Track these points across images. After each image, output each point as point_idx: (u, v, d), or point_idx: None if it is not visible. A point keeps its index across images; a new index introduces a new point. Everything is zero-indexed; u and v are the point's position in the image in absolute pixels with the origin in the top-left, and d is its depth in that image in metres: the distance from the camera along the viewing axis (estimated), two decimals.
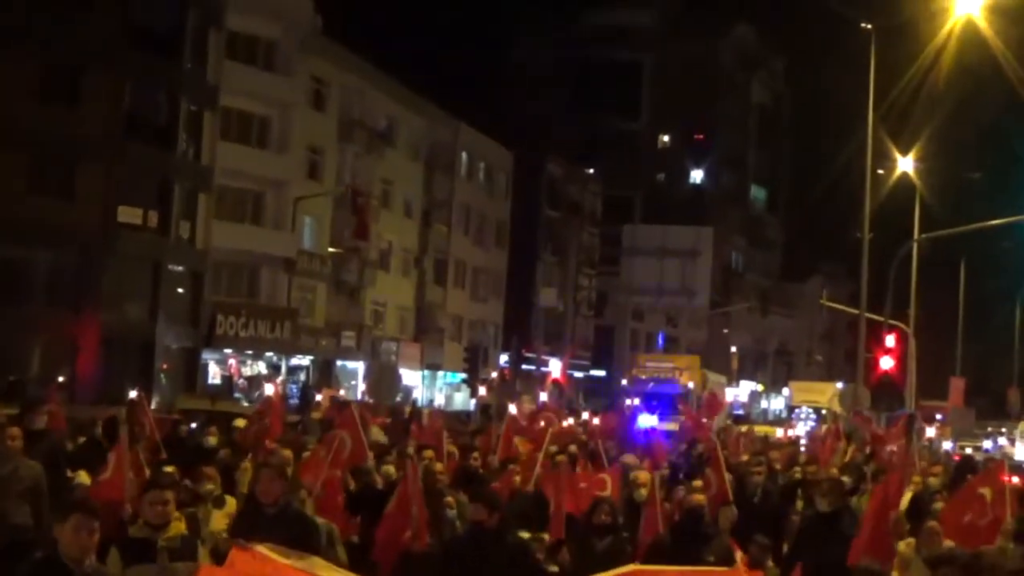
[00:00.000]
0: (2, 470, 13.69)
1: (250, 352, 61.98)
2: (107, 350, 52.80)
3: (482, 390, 69.27)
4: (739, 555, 13.69)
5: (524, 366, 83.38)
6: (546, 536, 15.20)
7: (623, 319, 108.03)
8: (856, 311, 52.52)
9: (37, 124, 50.02)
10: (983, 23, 42.80)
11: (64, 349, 52.00)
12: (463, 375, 73.05)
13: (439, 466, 16.49)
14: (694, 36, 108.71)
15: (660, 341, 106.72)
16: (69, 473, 16.00)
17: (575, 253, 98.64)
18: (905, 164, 60.47)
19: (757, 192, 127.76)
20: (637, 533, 14.40)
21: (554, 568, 13.87)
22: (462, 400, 77.23)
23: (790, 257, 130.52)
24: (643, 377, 63.48)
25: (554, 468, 17.58)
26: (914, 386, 61.82)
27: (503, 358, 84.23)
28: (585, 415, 33.79)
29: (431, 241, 78.69)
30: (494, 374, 74.72)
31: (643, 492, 15.53)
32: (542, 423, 27.18)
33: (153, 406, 34.44)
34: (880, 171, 57.54)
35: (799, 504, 18.39)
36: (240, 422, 22.61)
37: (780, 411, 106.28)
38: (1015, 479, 18.00)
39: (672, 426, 32.40)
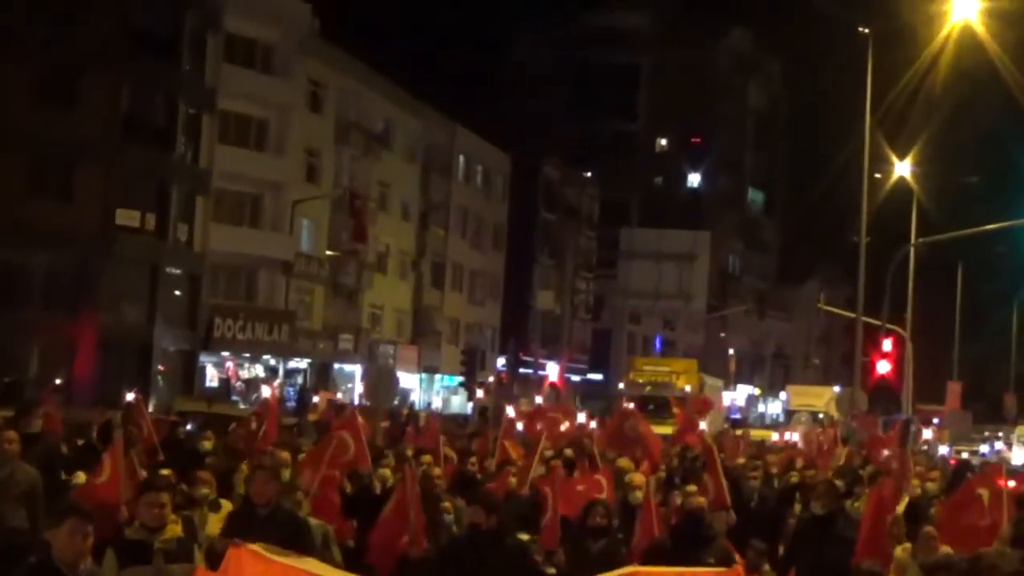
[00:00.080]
0: None
1: (247, 355, 61.99)
2: (104, 352, 52.82)
3: (479, 392, 69.32)
4: (737, 558, 13.73)
5: (521, 369, 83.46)
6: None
7: (620, 322, 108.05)
8: (853, 315, 52.56)
9: (35, 126, 50.06)
10: (980, 27, 42.88)
11: (62, 351, 52.00)
12: (460, 378, 73.09)
13: (437, 471, 16.48)
14: (691, 39, 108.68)
15: (657, 344, 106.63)
16: (66, 476, 16.00)
17: (572, 256, 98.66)
18: (902, 168, 60.54)
19: (754, 195, 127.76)
20: (631, 535, 14.41)
21: (551, 570, 13.88)
22: (459, 403, 77.21)
23: (787, 260, 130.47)
24: (640, 381, 63.33)
25: (547, 472, 17.52)
26: (911, 390, 61.86)
27: (500, 361, 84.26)
28: (582, 418, 33.80)
29: (428, 244, 78.71)
30: (491, 378, 74.76)
31: (639, 495, 15.52)
32: (538, 426, 27.11)
33: (150, 409, 34.41)
34: (877, 175, 57.64)
35: (797, 508, 18.39)
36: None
37: (777, 415, 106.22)
38: (1011, 483, 17.99)
39: (666, 429, 32.34)
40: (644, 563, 12.15)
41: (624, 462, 18.92)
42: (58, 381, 48.63)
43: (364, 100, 69.26)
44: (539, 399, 52.08)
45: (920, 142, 62.54)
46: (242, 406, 44.54)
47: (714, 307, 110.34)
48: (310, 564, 7.92)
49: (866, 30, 46.01)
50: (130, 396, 25.78)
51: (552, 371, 79.93)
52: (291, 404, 57.22)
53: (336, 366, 69.74)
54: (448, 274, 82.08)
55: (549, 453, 20.19)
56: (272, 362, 63.70)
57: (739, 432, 43.52)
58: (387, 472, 16.86)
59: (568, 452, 21.60)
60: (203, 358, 59.90)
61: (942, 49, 44.82)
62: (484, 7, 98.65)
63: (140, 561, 9.95)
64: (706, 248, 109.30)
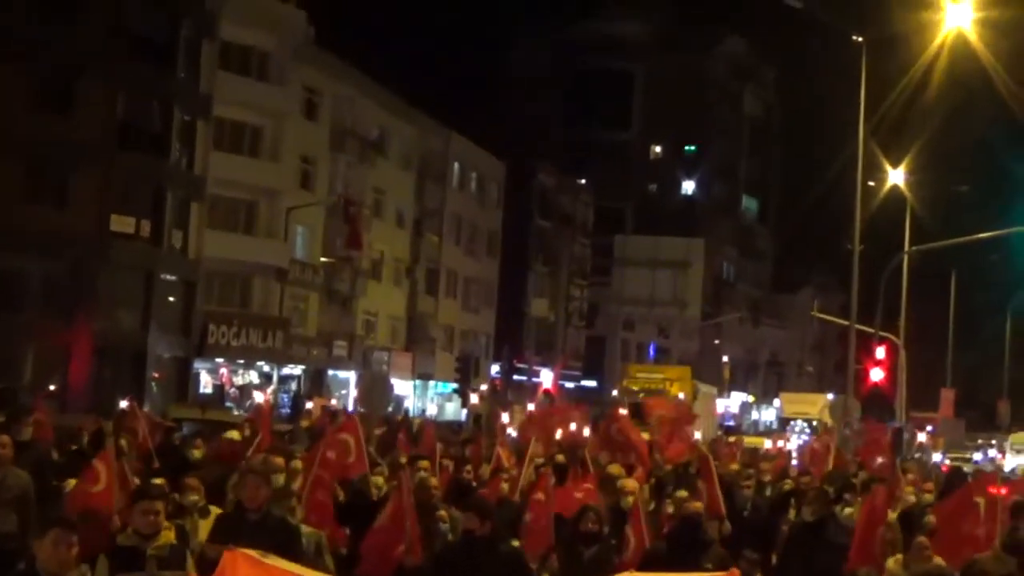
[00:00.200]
0: None
1: (242, 361, 62.00)
2: (99, 359, 52.82)
3: (474, 398, 69.34)
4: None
5: (515, 376, 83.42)
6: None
7: (614, 329, 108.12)
8: (847, 322, 52.60)
9: (31, 132, 50.06)
10: (973, 36, 42.95)
11: (56, 357, 51.95)
12: (454, 385, 73.11)
13: (434, 481, 16.48)
14: (686, 47, 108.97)
15: (651, 352, 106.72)
16: (56, 483, 15.99)
17: (567, 263, 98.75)
18: (896, 176, 60.57)
19: (748, 203, 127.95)
20: (623, 541, 14.42)
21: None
22: (453, 410, 77.21)
23: (781, 268, 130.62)
24: (634, 388, 63.39)
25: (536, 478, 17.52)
26: (904, 397, 61.94)
27: (494, 368, 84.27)
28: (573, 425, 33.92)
29: (423, 251, 78.76)
30: (484, 385, 74.76)
31: (630, 500, 15.56)
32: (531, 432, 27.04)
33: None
34: (871, 183, 57.64)
35: (792, 514, 18.39)
36: (233, 434, 22.60)
37: (771, 422, 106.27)
38: (1003, 491, 18.03)
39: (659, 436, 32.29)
40: (640, 569, 12.20)
41: (615, 468, 18.91)
42: (52, 387, 48.68)
43: (359, 107, 69.33)
44: (531, 406, 52.10)
45: (914, 150, 62.57)
46: (236, 412, 44.56)
47: (708, 314, 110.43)
48: (304, 571, 7.95)
49: (860, 38, 46.04)
50: (124, 404, 25.77)
51: (546, 378, 79.84)
52: (285, 411, 57.30)
53: (330, 373, 69.76)
54: (442, 281, 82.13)
55: (540, 460, 20.19)
56: (266, 369, 63.70)
57: (732, 439, 43.58)
58: (380, 480, 16.86)
59: (560, 458, 21.60)
60: (197, 364, 59.91)
61: (936, 57, 44.86)
62: (479, 14, 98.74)
63: (133, 568, 9.94)
64: (700, 255, 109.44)
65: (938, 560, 13.78)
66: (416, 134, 77.01)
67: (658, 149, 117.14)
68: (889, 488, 18.27)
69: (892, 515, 16.39)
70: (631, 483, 16.94)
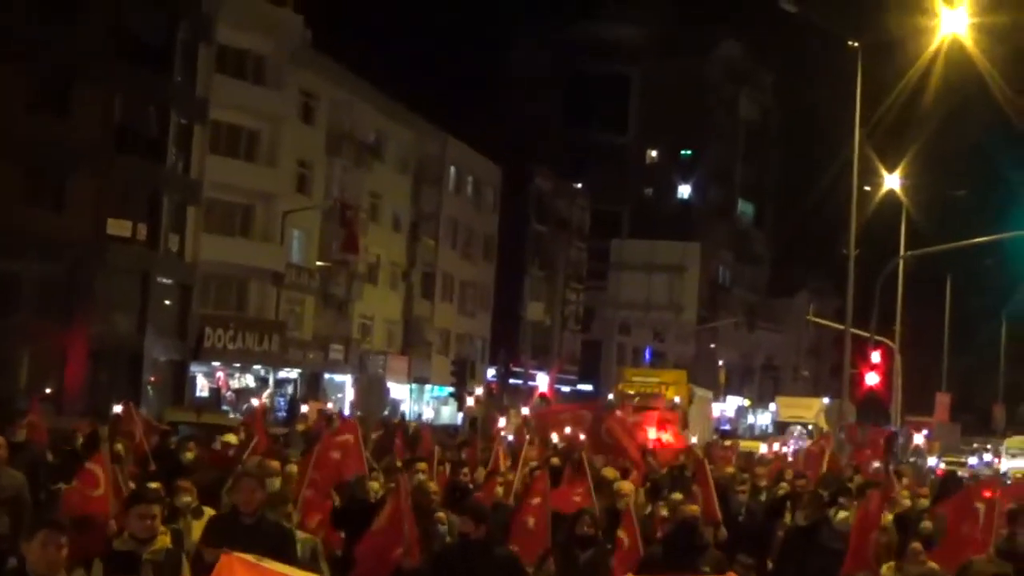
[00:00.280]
0: None
1: (238, 365, 61.98)
2: (95, 362, 52.82)
3: (470, 401, 69.41)
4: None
5: (511, 380, 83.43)
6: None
7: (610, 334, 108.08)
8: (842, 327, 52.69)
9: (28, 136, 50.03)
10: (969, 42, 43.03)
11: (52, 360, 51.95)
12: (451, 389, 73.14)
13: (433, 485, 16.51)
14: (682, 50, 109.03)
15: (647, 356, 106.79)
16: (51, 485, 16.03)
17: (563, 267, 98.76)
18: (892, 181, 60.71)
19: (744, 207, 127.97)
20: (615, 543, 14.45)
21: None
22: (449, 414, 77.24)
23: (777, 272, 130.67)
24: (630, 391, 63.38)
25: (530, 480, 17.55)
26: (900, 402, 62.05)
27: (490, 372, 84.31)
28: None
29: (419, 255, 78.77)
30: (479, 389, 74.78)
31: (626, 502, 15.61)
32: (527, 436, 27.14)
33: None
34: (867, 188, 57.79)
35: (788, 518, 18.40)
36: (229, 437, 22.64)
37: (766, 426, 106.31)
38: (997, 494, 18.12)
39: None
40: (638, 573, 12.24)
41: (610, 471, 18.97)
42: (48, 390, 48.66)
43: (356, 111, 69.34)
44: (525, 410, 52.17)
45: (909, 155, 62.71)
46: (233, 416, 44.61)
47: (704, 319, 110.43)
48: (300, 575, 7.96)
49: (856, 43, 46.15)
50: (118, 408, 25.69)
51: (542, 382, 79.95)
52: (281, 414, 57.36)
53: (326, 376, 69.78)
54: (438, 285, 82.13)
55: (534, 463, 20.25)
56: (262, 372, 63.72)
57: (728, 443, 43.67)
58: (376, 485, 16.90)
59: (555, 460, 21.66)
60: (193, 368, 59.91)
61: (931, 63, 44.94)
62: (476, 17, 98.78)
63: (128, 572, 9.92)
64: (696, 260, 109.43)
65: (932, 565, 13.83)
66: (413, 138, 77.06)
67: (654, 153, 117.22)
68: (883, 492, 18.35)
69: (887, 518, 16.45)
70: (627, 485, 16.98)
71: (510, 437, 34.06)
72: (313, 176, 66.32)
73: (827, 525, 14.88)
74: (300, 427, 34.57)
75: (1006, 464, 66.07)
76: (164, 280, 56.75)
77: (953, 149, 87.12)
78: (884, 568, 13.97)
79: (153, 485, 13.58)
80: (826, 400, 78.12)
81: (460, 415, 69.75)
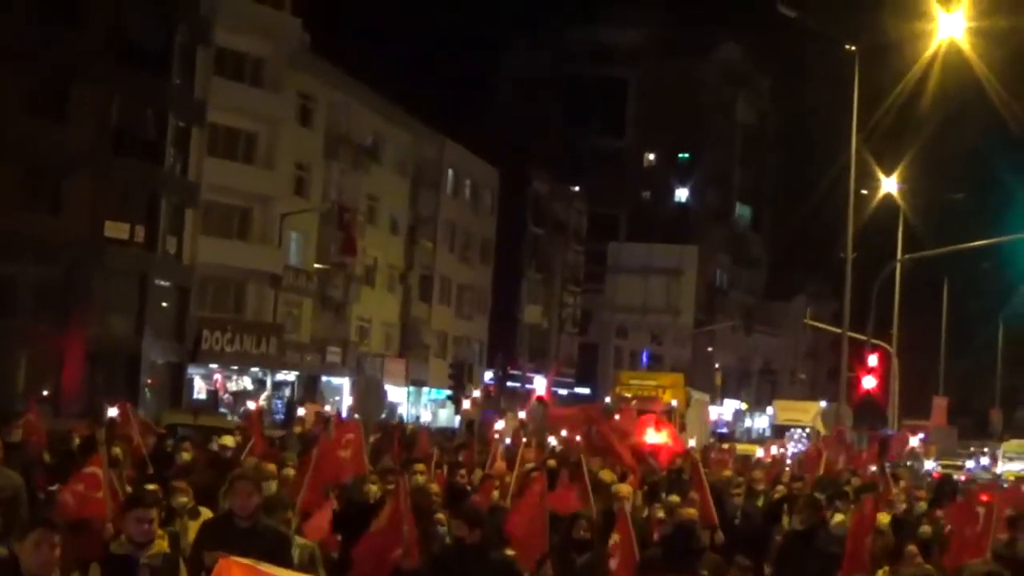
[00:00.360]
0: None
1: (236, 367, 62.00)
2: (93, 364, 52.82)
3: (466, 403, 69.39)
4: None
5: (509, 383, 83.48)
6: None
7: (607, 337, 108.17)
8: (840, 330, 52.73)
9: (25, 138, 50.04)
10: (966, 46, 43.09)
11: (50, 362, 51.96)
12: (448, 391, 73.13)
13: (434, 486, 16.51)
14: (680, 54, 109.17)
15: (644, 359, 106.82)
16: (47, 486, 16.02)
17: (560, 270, 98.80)
18: (889, 184, 60.75)
19: (742, 210, 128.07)
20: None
21: None
22: (447, 417, 77.24)
23: (774, 276, 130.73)
24: (627, 394, 63.39)
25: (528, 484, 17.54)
26: (897, 405, 62.08)
27: (488, 375, 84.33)
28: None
29: (416, 257, 78.79)
30: (476, 392, 74.77)
31: (622, 505, 15.60)
32: (523, 438, 27.10)
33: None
34: (864, 191, 57.82)
35: (785, 521, 18.39)
36: (227, 439, 22.65)
37: (764, 430, 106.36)
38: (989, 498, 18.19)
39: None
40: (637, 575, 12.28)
41: (607, 474, 18.98)
42: (45, 392, 48.67)
43: (353, 114, 69.38)
44: (522, 414, 52.19)
45: (907, 159, 62.73)
46: (231, 418, 44.63)
47: (701, 322, 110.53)
48: None
49: (853, 47, 46.19)
50: (112, 411, 25.52)
51: (539, 385, 79.94)
52: (279, 416, 57.35)
53: (324, 379, 69.77)
54: (436, 288, 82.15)
55: (531, 465, 20.26)
56: (260, 374, 63.74)
57: (725, 446, 43.69)
58: (374, 488, 16.90)
59: (551, 462, 21.68)
60: (191, 370, 59.93)
61: (928, 67, 45.02)
62: (474, 21, 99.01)
63: None
64: (693, 263, 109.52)
65: (928, 567, 13.86)
66: (410, 141, 77.08)
67: (652, 156, 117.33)
68: (877, 495, 18.38)
69: (884, 520, 16.47)
70: (625, 489, 16.99)
71: (508, 440, 34.03)
72: (311, 179, 66.35)
73: (824, 529, 14.88)
74: (297, 429, 34.57)
75: (1002, 467, 66.19)
76: (162, 282, 56.77)
77: (950, 153, 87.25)
78: (879, 573, 14.00)
79: (150, 487, 13.59)
80: (823, 403, 78.10)
81: (457, 418, 69.75)
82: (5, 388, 47.78)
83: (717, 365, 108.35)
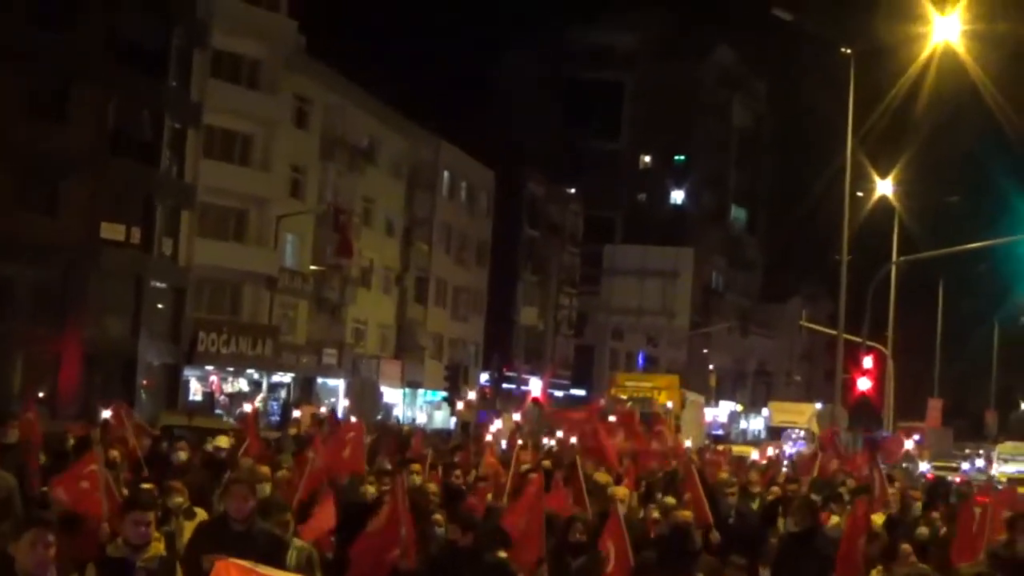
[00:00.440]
0: None
1: (231, 369, 62.02)
2: (89, 366, 52.82)
3: (460, 405, 69.46)
4: None
5: (504, 385, 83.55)
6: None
7: (603, 338, 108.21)
8: (835, 332, 52.77)
9: (22, 140, 50.05)
10: (961, 49, 43.13)
11: (46, 364, 51.96)
12: (444, 393, 73.17)
13: (432, 486, 16.54)
14: (675, 57, 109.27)
15: (640, 361, 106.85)
16: (43, 487, 16.05)
17: (556, 272, 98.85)
18: (884, 187, 60.79)
19: (737, 213, 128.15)
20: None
21: None
22: (442, 418, 77.28)
23: (770, 278, 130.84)
24: (622, 396, 63.48)
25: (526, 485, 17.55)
26: (892, 407, 62.10)
27: (483, 376, 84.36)
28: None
29: (412, 259, 78.84)
30: (472, 394, 74.83)
31: (618, 508, 15.62)
32: (519, 440, 27.15)
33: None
34: (860, 193, 57.83)
35: (780, 523, 18.41)
36: (221, 439, 22.67)
37: (759, 431, 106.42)
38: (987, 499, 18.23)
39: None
40: None
41: (602, 476, 19.02)
42: (41, 394, 48.64)
43: (349, 116, 69.41)
44: (516, 416, 52.23)
45: (902, 161, 62.74)
46: (226, 420, 44.65)
47: (697, 324, 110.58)
48: None
49: (848, 50, 46.22)
50: (106, 413, 25.45)
51: (535, 386, 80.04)
52: (275, 418, 57.37)
53: (319, 380, 69.78)
54: (432, 289, 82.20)
55: (527, 465, 20.30)
56: (256, 376, 63.76)
57: (721, 448, 43.77)
58: (371, 488, 16.94)
59: (546, 463, 21.71)
60: (187, 372, 59.94)
61: (924, 69, 45.03)
62: (470, 24, 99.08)
63: None
64: (689, 265, 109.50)
65: (921, 566, 13.90)
66: (406, 143, 77.14)
67: (647, 159, 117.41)
68: (869, 496, 18.43)
69: (878, 520, 16.50)
70: (621, 491, 17.02)
71: (503, 441, 34.08)
72: (307, 181, 66.38)
73: (820, 532, 14.88)
74: (292, 431, 34.62)
75: (996, 469, 66.23)
76: (158, 284, 56.81)
77: (946, 155, 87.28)
78: (873, 572, 14.03)
79: (146, 486, 13.61)
80: (819, 405, 78.15)
81: (453, 419, 69.83)
82: (1, 390, 47.78)
83: (712, 366, 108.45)
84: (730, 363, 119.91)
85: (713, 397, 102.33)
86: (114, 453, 17.44)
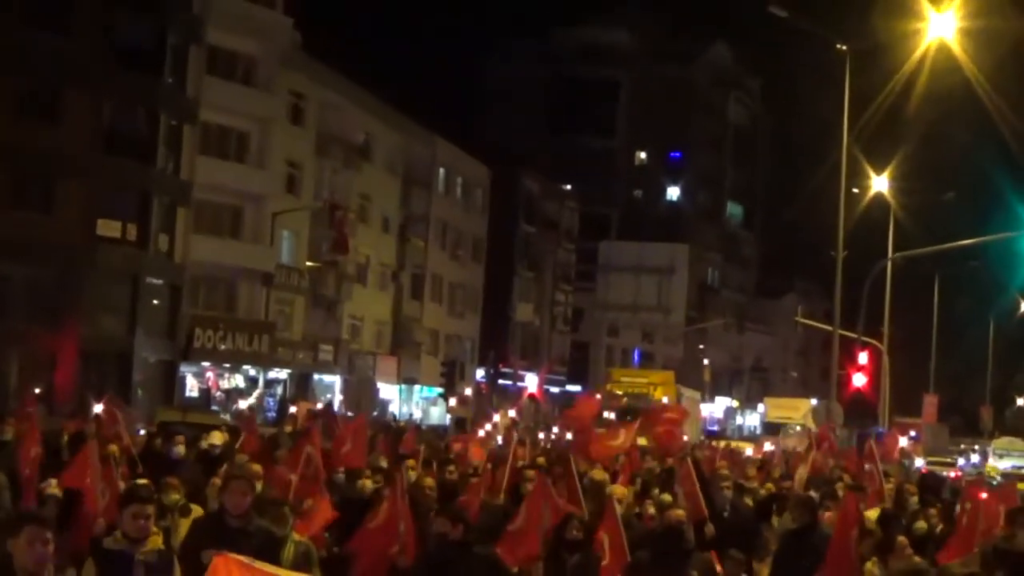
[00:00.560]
0: None
1: (228, 365, 62.02)
2: (85, 362, 52.82)
3: (452, 401, 69.50)
4: (719, 569, 13.92)
5: (500, 381, 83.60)
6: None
7: (599, 335, 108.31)
8: (831, 328, 52.82)
9: (17, 137, 50.05)
10: (956, 46, 43.18)
11: (42, 361, 51.98)
12: (440, 389, 73.20)
13: (429, 481, 16.57)
14: (671, 55, 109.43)
15: (636, 357, 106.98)
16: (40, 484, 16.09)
17: (551, 269, 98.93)
18: (880, 183, 60.85)
19: (733, 209, 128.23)
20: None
21: None
22: (439, 414, 77.35)
23: (766, 274, 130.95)
24: (618, 392, 63.61)
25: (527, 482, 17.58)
26: (887, 403, 62.13)
27: (479, 373, 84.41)
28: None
29: (408, 256, 78.86)
30: (468, 390, 74.90)
31: (614, 503, 15.65)
32: (516, 436, 27.17)
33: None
34: (855, 190, 57.88)
35: (774, 520, 18.45)
36: (215, 436, 22.70)
37: (755, 427, 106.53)
38: (983, 495, 18.25)
39: (642, 441, 32.44)
40: None
41: (598, 473, 19.04)
42: (38, 391, 48.65)
43: (345, 113, 69.42)
44: (512, 412, 52.31)
45: (898, 158, 62.80)
46: (223, 416, 44.71)
47: (693, 320, 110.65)
48: None
49: (844, 47, 46.28)
50: (98, 408, 25.35)
51: (531, 382, 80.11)
52: (271, 414, 57.42)
53: (316, 377, 69.82)
54: (428, 286, 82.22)
55: (523, 462, 20.33)
56: (252, 372, 63.76)
57: (714, 443, 43.79)
58: (368, 483, 16.98)
59: (541, 460, 21.72)
60: (183, 368, 59.95)
61: (919, 67, 45.07)
62: (466, 21, 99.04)
63: (121, 572, 9.85)
64: (685, 261, 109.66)
65: (917, 559, 13.93)
66: (402, 139, 77.15)
67: (643, 155, 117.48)
68: (864, 493, 18.45)
69: (872, 516, 16.53)
70: (620, 490, 17.03)
71: (499, 438, 34.13)
72: (302, 177, 66.40)
73: (818, 528, 14.90)
74: (288, 428, 34.62)
75: (992, 464, 66.28)
76: (154, 281, 56.81)
77: (941, 152, 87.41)
78: (869, 564, 14.05)
79: (142, 481, 13.63)
80: (814, 401, 78.25)
81: (449, 416, 69.93)
82: None
83: (706, 361, 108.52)
84: (726, 359, 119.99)
85: (706, 392, 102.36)
86: (113, 448, 17.48)
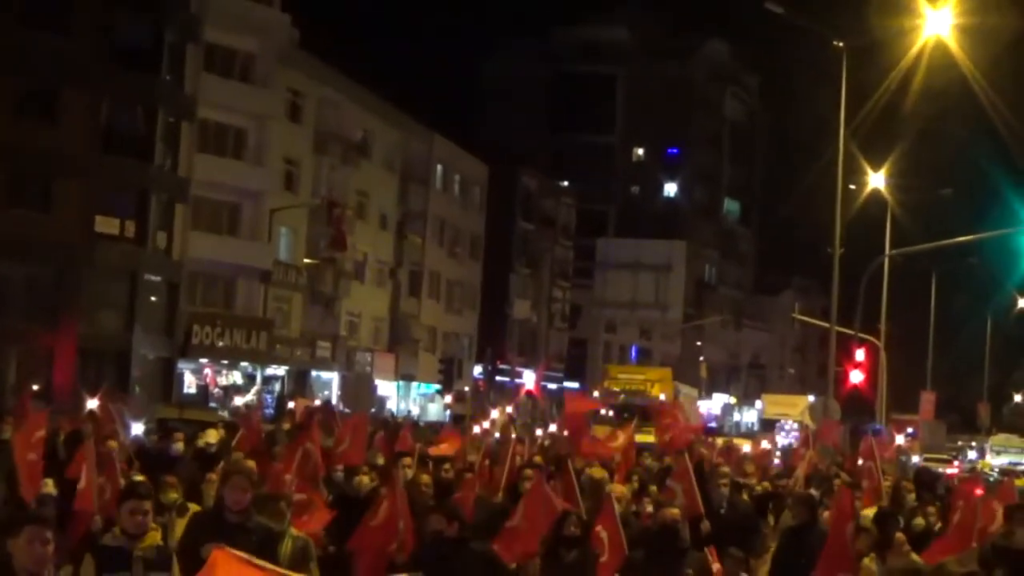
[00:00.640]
0: None
1: (226, 362, 62.09)
2: (83, 360, 52.84)
3: (448, 398, 69.46)
4: (715, 567, 13.93)
5: (498, 378, 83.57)
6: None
7: (596, 332, 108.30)
8: (828, 325, 52.84)
9: (15, 136, 50.11)
10: (952, 42, 43.23)
11: (40, 359, 52.02)
12: (437, 386, 73.19)
13: (425, 478, 16.58)
14: (668, 51, 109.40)
15: (633, 354, 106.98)
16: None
17: (549, 266, 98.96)
18: (877, 180, 60.89)
19: (730, 206, 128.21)
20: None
21: None
22: (436, 411, 77.38)
23: (763, 271, 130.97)
24: (615, 388, 63.54)
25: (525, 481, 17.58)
26: (884, 400, 62.18)
27: (477, 369, 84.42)
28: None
29: (406, 253, 78.88)
30: (466, 387, 74.88)
31: (611, 500, 15.67)
32: (513, 435, 27.19)
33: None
34: (852, 186, 57.90)
35: (770, 519, 18.47)
36: (211, 434, 22.71)
37: (752, 424, 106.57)
38: (978, 491, 18.31)
39: (646, 438, 32.45)
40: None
41: (597, 471, 19.04)
42: (36, 388, 48.66)
43: (343, 110, 69.44)
44: (509, 409, 52.31)
45: (895, 154, 62.86)
46: (221, 413, 44.73)
47: (690, 317, 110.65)
48: (289, 575, 8.04)
49: (841, 44, 46.29)
50: (91, 404, 25.31)
51: (529, 379, 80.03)
52: (269, 411, 57.38)
53: (313, 373, 69.87)
54: (425, 283, 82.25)
55: (519, 461, 20.32)
56: (250, 369, 63.79)
57: (710, 440, 43.73)
58: (365, 479, 16.99)
59: (537, 458, 21.71)
60: (181, 365, 59.99)
61: (915, 63, 45.12)
62: (464, 18, 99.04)
63: (119, 568, 9.88)
64: (682, 258, 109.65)
65: (915, 557, 13.96)
66: (399, 137, 77.18)
67: (640, 152, 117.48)
68: (869, 488, 18.47)
69: (868, 513, 16.55)
70: (619, 488, 17.05)
71: (497, 434, 34.12)
72: (300, 174, 66.44)
73: (817, 525, 14.91)
74: (286, 425, 34.60)
75: (991, 461, 66.39)
76: (152, 278, 56.84)
77: (938, 148, 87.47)
78: (866, 560, 14.07)
79: (139, 478, 13.65)
80: (811, 398, 78.28)
81: (447, 413, 69.92)
82: None
83: (702, 358, 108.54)
84: (723, 356, 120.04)
85: (703, 389, 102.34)
86: (112, 444, 17.49)
